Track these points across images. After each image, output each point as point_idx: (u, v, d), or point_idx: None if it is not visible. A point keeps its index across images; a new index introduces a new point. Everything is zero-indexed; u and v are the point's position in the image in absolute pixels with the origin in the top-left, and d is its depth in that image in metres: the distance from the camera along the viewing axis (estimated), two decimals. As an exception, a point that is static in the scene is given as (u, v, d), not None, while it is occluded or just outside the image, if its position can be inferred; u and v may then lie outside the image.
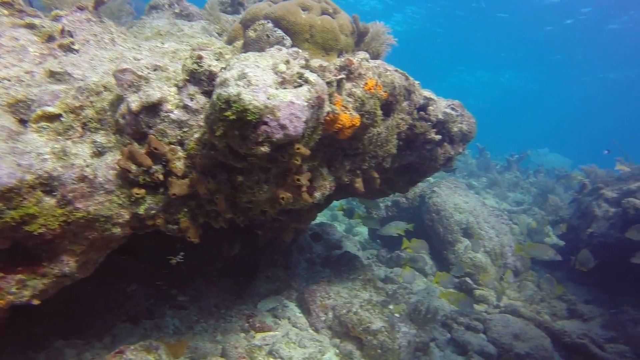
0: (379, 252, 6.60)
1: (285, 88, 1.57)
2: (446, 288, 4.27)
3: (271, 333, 3.38)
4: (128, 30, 3.00)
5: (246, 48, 2.30)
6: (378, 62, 2.40)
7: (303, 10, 2.32)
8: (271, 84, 1.53)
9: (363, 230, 7.90)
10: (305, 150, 1.63)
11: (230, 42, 2.47)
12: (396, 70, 2.71)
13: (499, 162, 12.20)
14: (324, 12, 2.43)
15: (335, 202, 5.40)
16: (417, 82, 2.94)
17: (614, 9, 16.73)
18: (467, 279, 5.96)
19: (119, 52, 2.39)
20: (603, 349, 4.47)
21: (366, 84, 2.07)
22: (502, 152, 14.95)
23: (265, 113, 1.46)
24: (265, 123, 1.47)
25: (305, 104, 1.55)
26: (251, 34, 2.24)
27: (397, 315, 3.91)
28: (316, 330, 3.82)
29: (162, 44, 2.56)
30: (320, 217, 8.58)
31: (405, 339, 3.79)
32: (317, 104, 1.62)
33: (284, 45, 2.18)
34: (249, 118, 1.45)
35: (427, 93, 2.91)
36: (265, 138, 1.50)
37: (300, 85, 1.60)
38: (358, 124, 1.99)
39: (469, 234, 6.32)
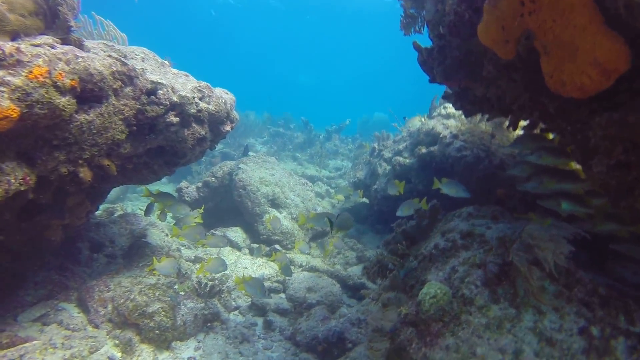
0: (195, 235, 6.65)
1: None
2: (217, 272, 4.30)
3: (23, 345, 3.14)
4: None
5: None
6: (67, 47, 2.33)
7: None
8: None
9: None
10: None
11: None
12: (109, 56, 2.68)
13: (322, 133, 13.21)
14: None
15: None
16: (146, 66, 2.96)
17: None
18: (277, 246, 6.46)
19: None
20: (375, 282, 5.39)
21: (31, 72, 2.00)
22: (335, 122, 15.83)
23: None
24: None
25: None
26: None
27: (182, 293, 4.03)
28: (96, 327, 3.70)
29: None
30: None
31: (191, 313, 3.94)
32: None
33: None
34: None
35: (154, 78, 2.96)
36: None
37: None
38: (16, 115, 1.93)
39: (277, 204, 6.80)
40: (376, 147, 8.16)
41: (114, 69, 2.63)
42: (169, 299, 3.81)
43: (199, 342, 3.86)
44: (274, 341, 4.36)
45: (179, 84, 3.38)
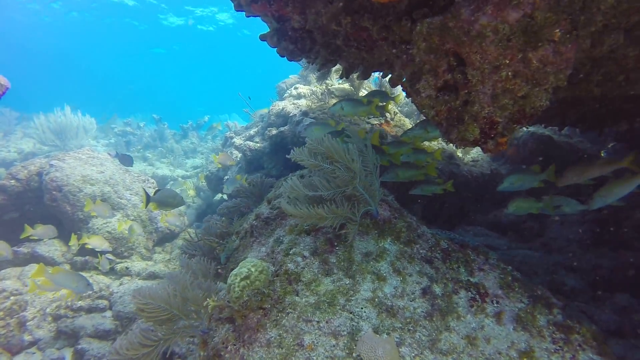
0: None
1: None
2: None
3: None
4: None
5: None
6: None
7: None
8: None
9: None
10: None
11: None
12: None
13: (177, 131, 11.94)
14: None
15: None
16: None
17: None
18: (109, 256, 5.25)
19: None
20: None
21: None
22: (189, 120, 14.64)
23: None
24: None
25: None
26: None
27: None
28: None
29: None
30: None
31: None
32: None
33: None
34: None
35: None
36: None
37: None
38: None
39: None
40: (228, 135, 7.43)
41: None
42: None
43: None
44: (84, 376, 3.30)
45: None
